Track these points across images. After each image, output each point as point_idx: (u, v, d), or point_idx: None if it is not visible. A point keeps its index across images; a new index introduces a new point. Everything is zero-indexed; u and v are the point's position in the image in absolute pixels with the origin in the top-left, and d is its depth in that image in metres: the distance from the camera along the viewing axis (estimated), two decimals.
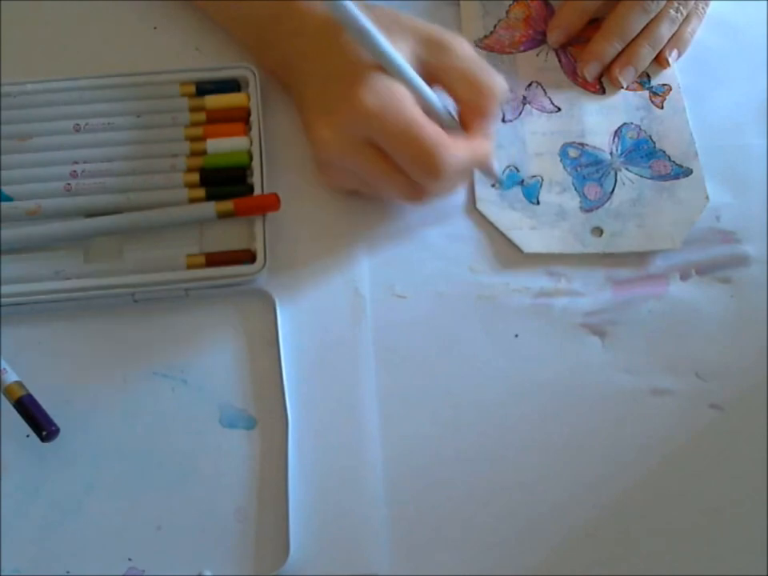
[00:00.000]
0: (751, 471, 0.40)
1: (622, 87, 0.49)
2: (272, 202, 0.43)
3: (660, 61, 0.49)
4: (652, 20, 0.48)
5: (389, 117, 0.38)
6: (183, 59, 0.48)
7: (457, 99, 0.42)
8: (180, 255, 0.42)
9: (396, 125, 0.38)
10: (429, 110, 0.41)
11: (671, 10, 0.48)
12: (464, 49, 0.42)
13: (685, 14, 0.49)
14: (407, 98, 0.39)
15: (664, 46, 0.49)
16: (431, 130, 0.39)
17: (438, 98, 0.42)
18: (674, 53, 0.50)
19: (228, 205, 0.42)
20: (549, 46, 0.50)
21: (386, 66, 0.39)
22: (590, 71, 0.49)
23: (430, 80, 0.41)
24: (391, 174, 0.40)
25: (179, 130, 0.45)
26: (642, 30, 0.48)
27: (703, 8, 0.50)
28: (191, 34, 0.49)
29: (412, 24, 0.42)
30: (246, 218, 0.43)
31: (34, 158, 0.44)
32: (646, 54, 0.49)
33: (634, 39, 0.49)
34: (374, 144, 0.40)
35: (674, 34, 0.49)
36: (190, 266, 0.42)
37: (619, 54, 0.49)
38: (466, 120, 0.42)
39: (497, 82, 0.42)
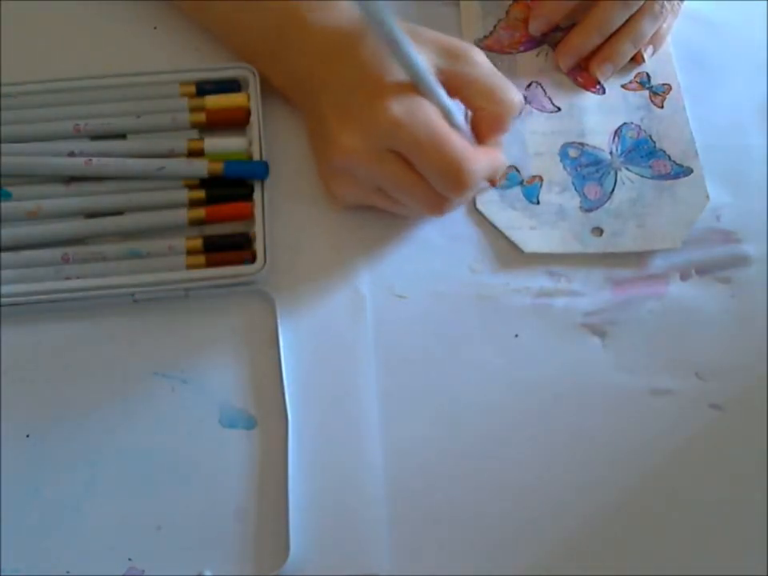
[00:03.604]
0: (751, 471, 0.40)
1: (600, 81, 0.49)
2: (244, 211, 0.43)
3: (636, 57, 0.49)
4: (634, 15, 0.47)
5: (416, 127, 0.38)
6: (183, 59, 0.48)
7: (473, 108, 0.42)
8: (179, 255, 0.42)
9: (424, 135, 0.38)
10: (448, 119, 0.40)
11: (656, 6, 0.47)
12: (482, 60, 0.42)
13: (669, 9, 0.48)
14: (432, 109, 0.39)
15: None
16: (458, 142, 0.39)
17: (456, 108, 0.41)
18: (650, 49, 0.49)
19: (200, 212, 0.43)
20: (548, 46, 0.50)
21: (409, 74, 0.39)
22: (566, 62, 0.49)
23: (449, 89, 0.41)
24: (414, 185, 0.40)
25: (179, 130, 0.45)
26: (624, 24, 0.48)
27: (678, 4, 0.49)
28: (191, 34, 0.49)
29: (430, 34, 0.42)
30: (247, 219, 0.43)
31: (34, 159, 0.44)
32: (626, 51, 0.48)
33: (615, 34, 0.48)
34: (398, 154, 0.39)
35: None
36: (189, 267, 0.42)
37: (600, 48, 0.48)
38: (480, 130, 0.43)
39: (514, 95, 0.42)
